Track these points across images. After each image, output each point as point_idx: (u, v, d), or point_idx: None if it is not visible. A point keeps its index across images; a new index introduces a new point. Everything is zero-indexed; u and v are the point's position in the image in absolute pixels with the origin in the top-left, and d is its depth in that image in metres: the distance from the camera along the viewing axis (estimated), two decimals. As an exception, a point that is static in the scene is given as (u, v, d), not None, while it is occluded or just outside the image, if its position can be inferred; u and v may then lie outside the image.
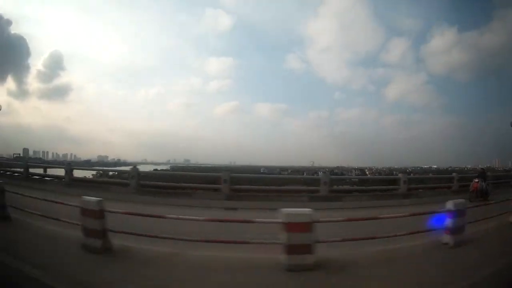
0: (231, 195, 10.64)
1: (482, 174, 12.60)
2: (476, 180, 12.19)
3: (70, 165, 14.65)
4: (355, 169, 46.95)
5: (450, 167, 42.93)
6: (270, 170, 42.08)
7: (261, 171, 37.62)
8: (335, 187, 12.49)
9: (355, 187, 14.28)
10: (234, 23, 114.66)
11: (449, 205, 5.48)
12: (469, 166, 44.17)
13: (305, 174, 36.23)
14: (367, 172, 43.58)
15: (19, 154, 45.89)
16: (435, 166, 46.64)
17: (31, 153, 50.06)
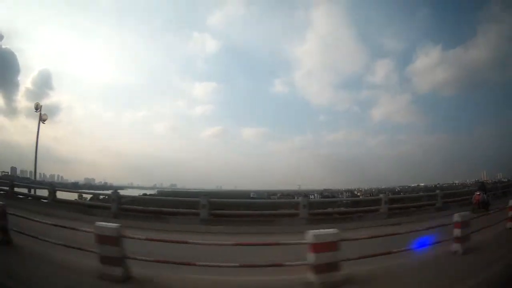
0: (210, 220, 10.71)
1: (482, 186, 13.38)
2: (478, 193, 12.72)
3: (53, 186, 14.59)
4: (344, 191, 47.03)
5: (438, 183, 43.49)
6: (259, 194, 41.63)
7: (251, 196, 36.83)
8: (316, 210, 12.44)
9: (335, 209, 14.16)
10: (220, 48, 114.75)
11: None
12: (457, 182, 45.03)
13: (296, 197, 36.23)
14: (357, 194, 43.23)
15: (8, 172, 43.39)
16: (422, 184, 47.13)
17: (18, 172, 47.70)
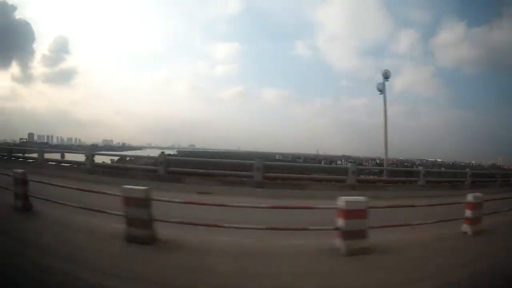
0: (263, 183, 10.77)
1: None
2: None
3: (92, 150, 13.98)
4: (371, 159, 43.68)
5: (456, 161, 42.40)
6: (284, 157, 40.89)
7: (276, 158, 36.44)
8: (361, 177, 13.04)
9: (376, 177, 14.92)
10: (242, 8, 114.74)
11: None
12: (473, 162, 42.95)
13: (322, 162, 35.11)
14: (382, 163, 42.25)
15: (25, 139, 42.19)
16: (439, 160, 44.44)
17: (35, 138, 46.71)
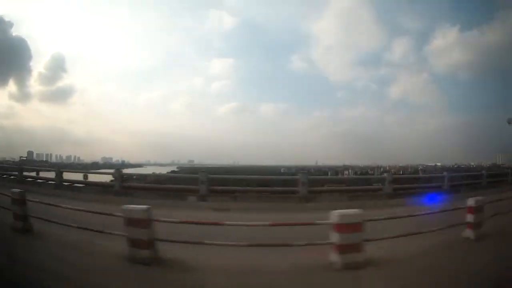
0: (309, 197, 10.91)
1: None
2: None
3: (119, 170, 12.79)
4: (378, 166, 44.36)
5: (456, 164, 43.25)
6: (288, 169, 40.75)
7: (282, 171, 36.38)
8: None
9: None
10: (237, 24, 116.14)
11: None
12: (473, 163, 44.51)
13: (329, 174, 35.05)
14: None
15: (25, 157, 43.72)
16: (439, 164, 46.25)
17: (34, 156, 48.26)
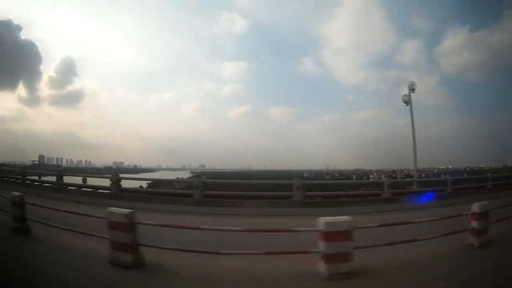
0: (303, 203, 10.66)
1: None
2: None
3: (116, 174, 12.65)
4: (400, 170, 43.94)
5: (468, 167, 42.74)
6: (312, 174, 40.89)
7: (304, 176, 36.09)
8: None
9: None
10: (249, 27, 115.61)
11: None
12: (483, 166, 44.00)
13: (354, 178, 34.71)
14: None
15: (37, 161, 45.01)
16: (450, 167, 45.97)
17: (45, 160, 49.28)
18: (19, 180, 15.31)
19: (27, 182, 14.92)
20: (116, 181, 12.10)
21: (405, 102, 18.54)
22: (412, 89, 18.57)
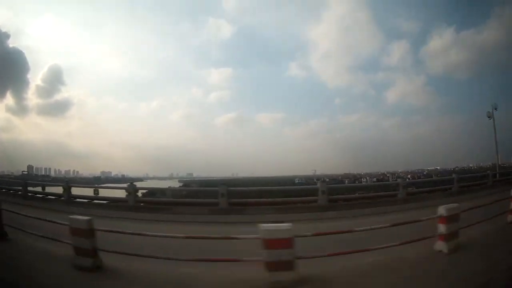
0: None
1: None
2: None
3: (133, 184, 12.24)
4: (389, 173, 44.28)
5: (456, 167, 41.47)
6: (302, 179, 40.79)
7: (296, 182, 36.02)
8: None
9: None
10: (235, 32, 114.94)
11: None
12: (472, 165, 44.32)
13: (346, 182, 34.62)
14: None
15: (26, 171, 46.56)
16: (438, 168, 44.92)
17: (33, 170, 50.30)
18: (19, 192, 14.58)
19: (29, 194, 14.25)
20: (133, 191, 11.72)
21: (489, 117, 21.93)
22: (495, 108, 21.89)
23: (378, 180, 35.89)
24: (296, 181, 37.42)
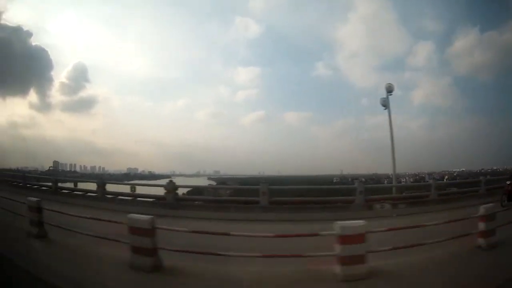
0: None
1: None
2: (508, 182, 11.17)
3: (172, 181, 12.19)
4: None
5: (482, 169, 42.42)
6: (342, 179, 40.45)
7: (334, 181, 36.24)
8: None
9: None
10: (263, 31, 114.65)
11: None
12: (496, 167, 42.75)
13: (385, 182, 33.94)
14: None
15: (52, 167, 44.41)
16: (464, 169, 45.99)
17: (59, 166, 48.64)
18: (49, 188, 14.64)
19: (59, 190, 14.38)
20: (172, 189, 11.74)
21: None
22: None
23: (415, 181, 35.86)
24: (334, 180, 37.46)
